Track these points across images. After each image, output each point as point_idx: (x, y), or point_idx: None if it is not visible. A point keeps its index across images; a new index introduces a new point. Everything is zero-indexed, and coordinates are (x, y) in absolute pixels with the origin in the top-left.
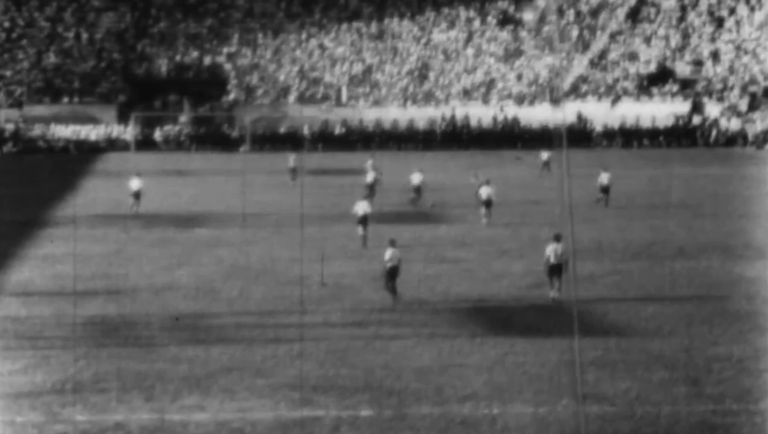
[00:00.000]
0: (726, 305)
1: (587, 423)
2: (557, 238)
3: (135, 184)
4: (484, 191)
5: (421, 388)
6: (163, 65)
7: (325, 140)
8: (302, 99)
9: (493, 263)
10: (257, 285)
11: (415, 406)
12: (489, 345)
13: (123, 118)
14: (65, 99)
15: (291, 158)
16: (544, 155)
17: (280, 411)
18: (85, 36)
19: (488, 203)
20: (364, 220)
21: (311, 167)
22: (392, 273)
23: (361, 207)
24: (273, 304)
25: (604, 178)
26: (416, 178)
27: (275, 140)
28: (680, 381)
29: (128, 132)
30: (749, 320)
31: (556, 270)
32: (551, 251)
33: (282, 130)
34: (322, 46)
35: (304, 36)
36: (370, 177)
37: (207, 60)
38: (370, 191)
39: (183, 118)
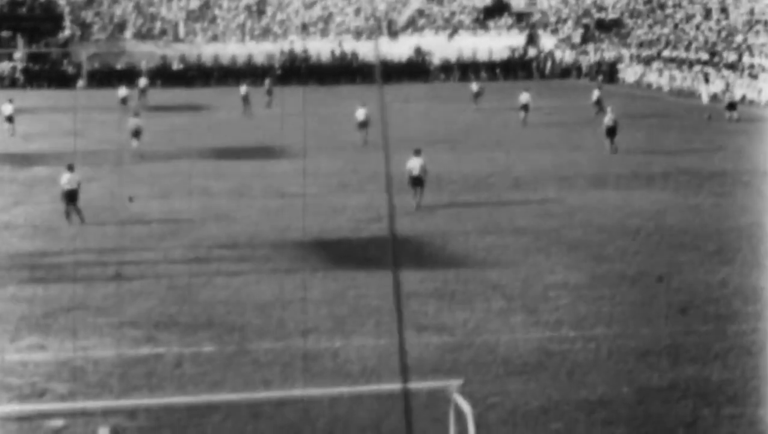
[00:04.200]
0: (561, 234)
1: (427, 353)
2: (417, 152)
3: None
4: (361, 113)
5: (264, 323)
6: None
7: (163, 75)
8: (139, 35)
9: (333, 197)
10: (97, 223)
11: (257, 341)
12: (330, 279)
13: None
14: None
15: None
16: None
17: (122, 349)
18: None
19: (364, 124)
20: None
21: (151, 104)
22: (71, 196)
23: None
24: (113, 241)
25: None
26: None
27: (112, 75)
28: (518, 309)
29: None
30: (585, 249)
31: (417, 181)
32: (413, 164)
33: (119, 66)
34: None
35: None
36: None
37: None
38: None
39: (17, 54)
